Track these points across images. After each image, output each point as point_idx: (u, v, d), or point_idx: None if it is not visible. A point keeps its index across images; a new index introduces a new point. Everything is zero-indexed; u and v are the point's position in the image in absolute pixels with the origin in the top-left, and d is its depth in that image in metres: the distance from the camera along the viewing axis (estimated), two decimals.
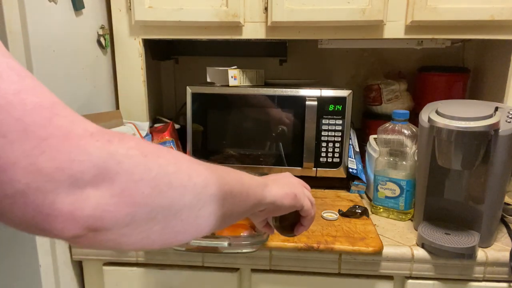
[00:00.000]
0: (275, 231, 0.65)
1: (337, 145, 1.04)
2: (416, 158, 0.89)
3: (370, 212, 0.95)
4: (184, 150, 1.15)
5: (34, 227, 0.28)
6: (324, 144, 1.04)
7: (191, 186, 0.36)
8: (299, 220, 0.62)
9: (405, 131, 0.89)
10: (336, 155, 1.04)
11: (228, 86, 1.07)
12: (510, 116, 0.76)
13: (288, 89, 1.04)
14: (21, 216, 0.28)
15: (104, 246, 0.32)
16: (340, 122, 1.02)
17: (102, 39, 1.06)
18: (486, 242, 0.80)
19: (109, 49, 1.11)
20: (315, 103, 1.02)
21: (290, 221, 0.63)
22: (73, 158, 0.28)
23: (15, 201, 0.27)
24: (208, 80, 1.15)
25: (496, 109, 0.78)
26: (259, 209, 0.50)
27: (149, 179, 0.32)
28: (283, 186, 0.54)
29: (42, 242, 0.78)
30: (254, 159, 1.08)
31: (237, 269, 0.84)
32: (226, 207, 0.40)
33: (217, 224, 0.40)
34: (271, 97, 1.04)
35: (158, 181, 0.33)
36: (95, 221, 0.29)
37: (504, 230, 0.87)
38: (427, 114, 0.81)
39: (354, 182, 1.06)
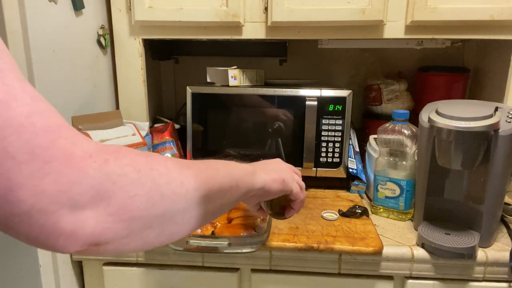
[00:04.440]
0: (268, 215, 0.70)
1: (337, 145, 1.04)
2: (416, 158, 0.89)
3: (370, 212, 0.95)
4: (184, 150, 1.15)
5: (39, 243, 0.30)
6: (324, 144, 1.04)
7: (183, 193, 0.38)
8: (289, 203, 0.66)
9: (405, 131, 0.89)
10: (336, 155, 1.04)
11: (228, 86, 1.07)
12: (510, 116, 0.76)
13: (288, 89, 1.04)
14: (27, 233, 0.29)
15: (106, 255, 0.33)
16: (340, 122, 1.02)
17: (102, 39, 1.06)
18: (486, 242, 0.80)
19: (109, 49, 1.11)
20: (315, 103, 1.02)
21: (281, 205, 0.67)
22: (73, 180, 0.29)
23: (21, 220, 0.28)
24: (208, 80, 1.14)
25: (496, 109, 0.78)
26: (250, 195, 0.53)
27: (143, 193, 0.34)
28: (271, 172, 0.58)
29: None
30: (254, 159, 1.06)
31: (237, 269, 0.84)
32: (217, 202, 0.44)
33: (210, 219, 0.44)
34: (271, 97, 1.04)
35: (151, 193, 0.34)
36: (95, 238, 0.31)
37: (504, 230, 0.87)
38: (427, 114, 0.81)
39: (354, 182, 1.06)
